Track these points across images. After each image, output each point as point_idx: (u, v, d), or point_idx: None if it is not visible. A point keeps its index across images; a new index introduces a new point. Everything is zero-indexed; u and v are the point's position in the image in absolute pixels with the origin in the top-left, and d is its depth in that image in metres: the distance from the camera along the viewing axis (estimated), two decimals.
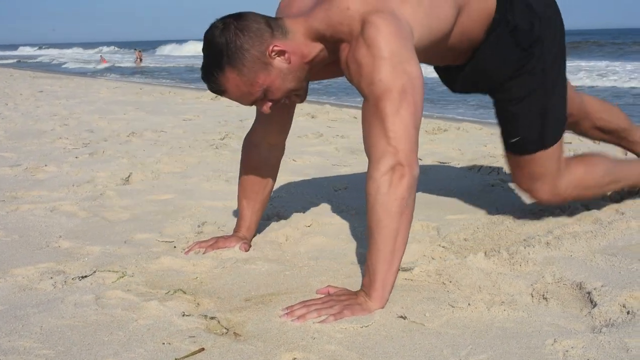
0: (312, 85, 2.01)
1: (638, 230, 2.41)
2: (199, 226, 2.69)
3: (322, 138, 5.05)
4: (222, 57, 1.94)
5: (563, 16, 2.38)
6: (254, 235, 2.48)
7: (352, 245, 2.40)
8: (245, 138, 2.45)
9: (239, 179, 2.46)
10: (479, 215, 2.73)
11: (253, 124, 2.42)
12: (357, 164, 4.02)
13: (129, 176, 3.71)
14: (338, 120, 6.50)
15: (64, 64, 33.39)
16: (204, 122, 6.46)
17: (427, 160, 4.07)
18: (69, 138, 5.36)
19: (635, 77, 13.66)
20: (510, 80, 2.35)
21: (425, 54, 2.11)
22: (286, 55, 1.98)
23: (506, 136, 2.46)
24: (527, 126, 2.39)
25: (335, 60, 2.03)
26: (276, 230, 2.57)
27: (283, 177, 3.42)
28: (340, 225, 2.64)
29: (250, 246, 2.39)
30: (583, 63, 18.90)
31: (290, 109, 2.36)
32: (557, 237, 2.33)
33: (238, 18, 1.97)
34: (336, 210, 2.88)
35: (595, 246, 2.27)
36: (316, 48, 2.03)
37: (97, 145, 4.94)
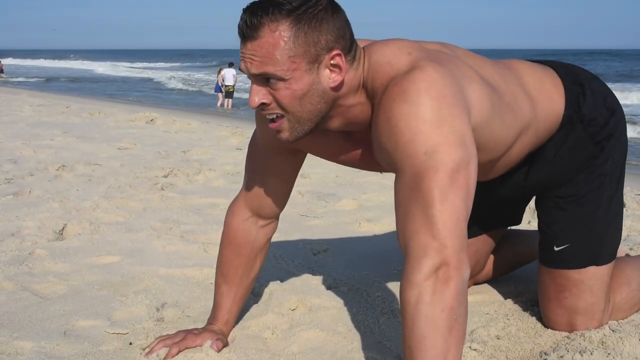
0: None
1: None
2: (157, 309, 2.16)
3: None
4: (290, 5, 1.43)
5: None
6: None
7: (358, 344, 1.92)
8: (230, 205, 1.95)
9: (219, 257, 1.95)
10: (498, 297, 2.29)
11: (242, 190, 1.91)
12: (328, 215, 3.55)
13: (63, 228, 3.14)
14: None
15: None
16: (142, 152, 5.87)
17: None
18: None
19: None
20: (575, 175, 1.91)
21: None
22: (338, 77, 1.50)
23: (549, 244, 1.95)
24: (582, 231, 1.92)
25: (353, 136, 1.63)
26: (256, 317, 2.08)
27: None
28: (335, 311, 2.15)
29: (226, 343, 1.89)
30: None
31: (292, 177, 1.88)
32: (613, 331, 1.90)
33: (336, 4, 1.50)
34: (323, 284, 2.40)
35: None
36: (355, 98, 1.57)
37: (22, 182, 4.31)
